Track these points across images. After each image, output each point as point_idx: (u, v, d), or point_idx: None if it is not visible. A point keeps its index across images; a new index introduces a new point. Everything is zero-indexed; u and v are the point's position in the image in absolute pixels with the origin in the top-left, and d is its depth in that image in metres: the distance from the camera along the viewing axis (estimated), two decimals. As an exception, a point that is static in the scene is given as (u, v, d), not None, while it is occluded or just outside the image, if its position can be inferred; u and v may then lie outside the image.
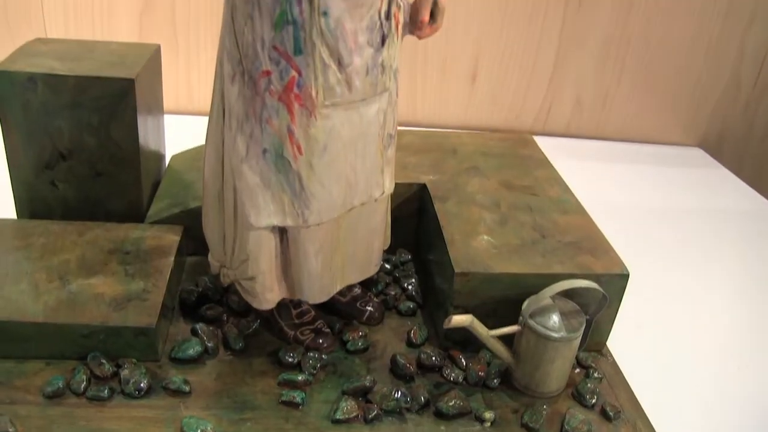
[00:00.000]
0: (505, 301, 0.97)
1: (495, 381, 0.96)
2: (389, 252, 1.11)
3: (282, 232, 0.90)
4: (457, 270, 0.95)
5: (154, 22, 1.73)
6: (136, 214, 1.14)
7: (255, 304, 0.94)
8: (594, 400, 0.94)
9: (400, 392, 0.91)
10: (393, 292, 1.10)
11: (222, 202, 0.91)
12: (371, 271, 1.01)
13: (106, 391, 0.88)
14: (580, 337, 0.93)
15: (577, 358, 0.99)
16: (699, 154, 1.99)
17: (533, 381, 0.94)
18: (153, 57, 1.16)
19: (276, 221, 0.86)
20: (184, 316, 1.03)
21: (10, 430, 0.81)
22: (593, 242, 1.04)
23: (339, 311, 1.05)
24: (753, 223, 1.60)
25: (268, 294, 0.93)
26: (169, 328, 1.00)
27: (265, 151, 0.83)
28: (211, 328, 0.99)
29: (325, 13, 0.77)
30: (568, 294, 0.94)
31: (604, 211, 1.24)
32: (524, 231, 1.05)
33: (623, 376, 1.00)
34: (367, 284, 1.08)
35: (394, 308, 1.09)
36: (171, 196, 1.17)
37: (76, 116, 1.06)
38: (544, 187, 1.18)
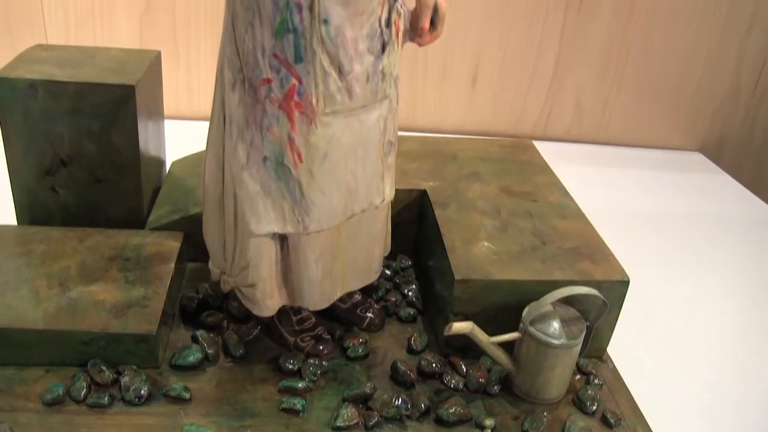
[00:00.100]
0: (505, 307, 0.97)
1: (495, 388, 0.96)
2: (389, 258, 1.11)
3: (282, 239, 0.90)
4: (457, 277, 0.95)
5: (154, 26, 1.74)
6: (136, 221, 1.14)
7: (255, 311, 0.94)
8: (594, 407, 0.94)
9: (400, 399, 0.91)
10: (393, 299, 1.10)
11: (222, 209, 0.91)
12: (372, 277, 1.01)
13: (106, 399, 0.88)
14: (581, 344, 0.93)
15: (577, 364, 0.99)
16: (699, 158, 1.99)
17: (534, 388, 0.94)
18: (153, 63, 1.16)
19: (276, 228, 0.86)
20: (184, 323, 1.03)
21: (11, 437, 0.81)
22: (593, 248, 1.04)
23: (339, 318, 1.05)
24: (753, 228, 1.60)
25: (268, 301, 0.93)
26: (170, 334, 1.00)
27: (265, 158, 0.83)
28: (211, 334, 0.99)
29: (325, 21, 0.77)
30: (568, 300, 0.94)
31: (604, 216, 1.24)
32: (524, 237, 1.05)
33: (624, 383, 1.00)
34: (367, 290, 1.08)
35: (394, 314, 1.09)
36: (171, 203, 1.17)
37: (77, 122, 1.06)
38: (544, 193, 1.18)
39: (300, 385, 0.92)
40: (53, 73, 1.05)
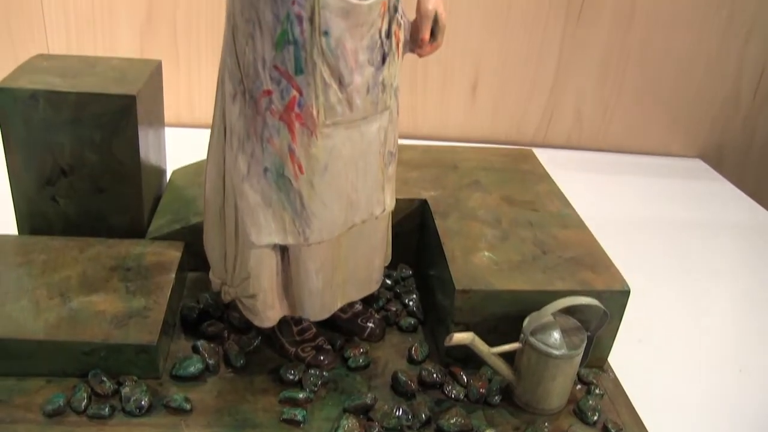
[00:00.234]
0: (506, 317, 0.97)
1: (496, 398, 0.96)
2: (390, 267, 1.11)
3: (283, 250, 0.90)
4: (458, 287, 0.95)
5: (155, 34, 1.74)
6: (137, 230, 1.14)
7: (256, 322, 0.94)
8: (596, 417, 0.94)
9: (401, 410, 0.91)
10: (394, 308, 1.10)
11: (223, 219, 0.91)
12: (372, 288, 1.01)
13: (106, 409, 0.88)
14: (582, 354, 0.93)
15: (578, 374, 0.99)
16: (699, 165, 1.99)
17: (534, 398, 0.94)
18: (154, 73, 1.16)
19: (277, 240, 0.87)
20: (185, 333, 1.03)
21: (11, 449, 0.81)
22: (594, 258, 1.04)
23: (340, 328, 1.05)
24: (754, 235, 1.59)
25: (269, 312, 0.93)
26: (170, 345, 1.00)
27: (266, 170, 0.83)
28: (212, 345, 0.99)
29: (325, 33, 0.77)
30: (569, 310, 0.94)
31: (604, 223, 1.24)
32: (525, 247, 1.05)
33: (625, 392, 1.00)
34: (368, 300, 1.08)
35: (395, 324, 1.09)
36: (172, 212, 1.17)
37: (78, 132, 1.06)
38: (544, 202, 1.19)
39: (301, 395, 0.92)
40: (54, 83, 1.05)
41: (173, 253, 1.08)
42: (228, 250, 0.92)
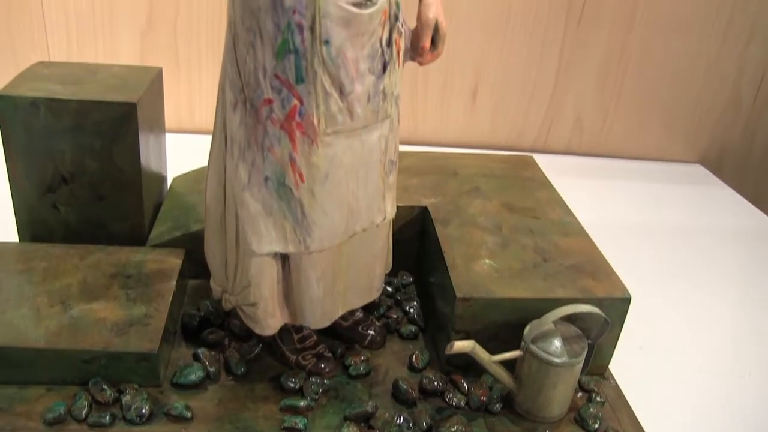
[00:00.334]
0: (507, 325, 0.97)
1: (497, 406, 0.96)
2: (391, 274, 1.11)
3: (284, 258, 0.90)
4: (459, 295, 0.95)
5: (156, 40, 1.74)
6: (137, 237, 1.14)
7: (257, 330, 0.94)
8: (597, 425, 0.94)
9: (402, 418, 0.91)
10: (395, 316, 1.10)
11: (224, 228, 0.91)
12: (373, 295, 1.01)
13: (107, 418, 0.88)
14: (582, 362, 0.93)
15: (579, 382, 0.99)
16: (699, 170, 1.99)
17: (535, 406, 0.94)
18: (155, 80, 1.16)
19: (278, 248, 0.86)
20: (185, 341, 1.03)
21: (12, 458, 0.81)
22: (595, 265, 1.04)
23: (341, 335, 1.05)
24: (755, 241, 1.59)
25: (269, 320, 0.93)
26: (171, 352, 1.00)
27: (266, 178, 0.83)
28: (212, 352, 0.99)
29: (326, 42, 0.77)
30: (570, 318, 0.94)
31: (604, 229, 1.24)
32: (526, 254, 1.05)
33: (626, 400, 1.00)
34: (368, 308, 1.08)
35: (395, 332, 1.09)
36: (173, 219, 1.17)
37: (78, 140, 1.06)
38: (545, 209, 1.19)
39: (302, 403, 0.92)
40: (55, 90, 1.06)
41: (174, 261, 1.08)
42: (229, 258, 0.92)
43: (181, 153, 1.40)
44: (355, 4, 0.78)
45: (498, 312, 0.96)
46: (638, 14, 1.80)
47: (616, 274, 1.02)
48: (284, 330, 0.99)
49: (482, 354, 0.92)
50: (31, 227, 1.13)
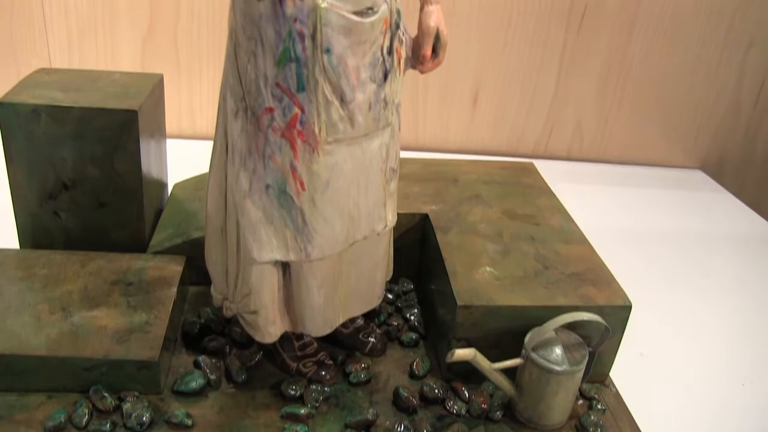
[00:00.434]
0: (507, 333, 0.97)
1: (498, 413, 0.96)
2: (391, 282, 1.11)
3: (285, 266, 0.90)
4: (459, 303, 0.95)
5: (157, 46, 1.75)
6: (138, 244, 1.14)
7: (258, 338, 0.94)
8: (597, 433, 0.94)
9: (402, 425, 0.91)
10: (396, 323, 1.10)
11: (225, 235, 0.91)
12: (374, 303, 1.01)
13: (108, 425, 0.88)
14: (583, 370, 0.93)
15: (580, 389, 0.99)
16: (700, 176, 1.99)
17: (536, 413, 0.94)
18: (156, 87, 1.17)
19: (279, 256, 0.87)
20: (186, 348, 1.03)
21: (12, 466, 0.81)
22: (596, 273, 1.04)
23: (341, 343, 1.05)
24: (756, 246, 1.59)
25: (270, 327, 0.93)
26: (172, 360, 1.00)
27: (267, 186, 0.83)
28: (213, 360, 0.99)
29: (327, 51, 0.78)
30: (570, 326, 0.94)
31: (605, 235, 1.24)
32: (527, 262, 1.05)
33: (626, 407, 1.00)
34: (369, 315, 1.08)
35: (396, 339, 1.09)
36: (173, 226, 1.17)
37: (80, 147, 1.06)
38: (546, 216, 1.19)
39: (302, 411, 0.92)
40: (56, 97, 1.06)
41: (174, 268, 1.08)
42: (229, 265, 0.92)
43: (182, 159, 1.40)
44: (356, 13, 0.78)
45: (499, 320, 0.96)
46: (638, 21, 1.80)
47: (617, 282, 1.02)
48: (285, 337, 0.99)
49: (483, 362, 0.92)
50: (32, 234, 1.13)
